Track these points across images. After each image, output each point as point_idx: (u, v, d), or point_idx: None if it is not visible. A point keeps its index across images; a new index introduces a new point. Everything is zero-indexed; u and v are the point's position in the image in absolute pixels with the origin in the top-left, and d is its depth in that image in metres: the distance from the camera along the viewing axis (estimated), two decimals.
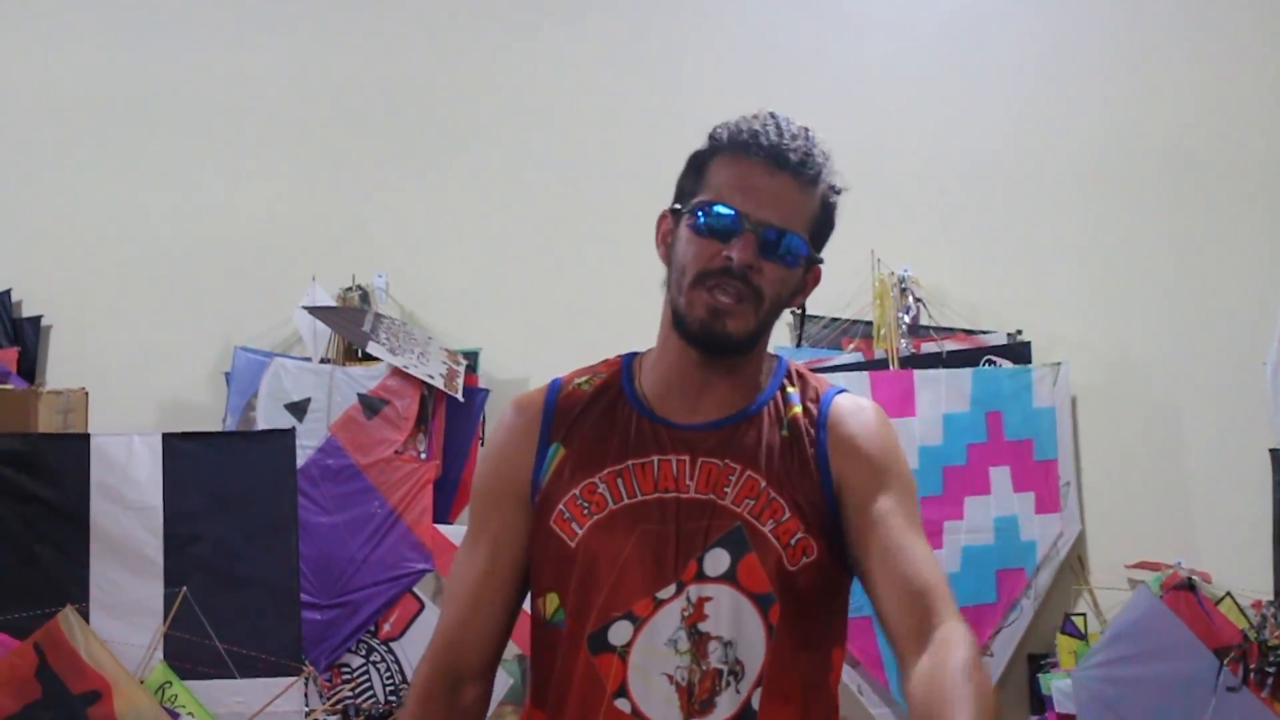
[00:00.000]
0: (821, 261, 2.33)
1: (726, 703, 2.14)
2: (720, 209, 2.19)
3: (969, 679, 1.92)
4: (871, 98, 6.09)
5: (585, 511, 2.24)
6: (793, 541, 2.17)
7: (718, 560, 2.16)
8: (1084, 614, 5.61)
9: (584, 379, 2.38)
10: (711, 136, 2.27)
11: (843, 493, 2.21)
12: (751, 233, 2.17)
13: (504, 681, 5.43)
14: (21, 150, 6.37)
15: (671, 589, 2.17)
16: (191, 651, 4.83)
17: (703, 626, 2.15)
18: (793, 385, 2.33)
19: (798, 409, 2.28)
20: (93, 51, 6.41)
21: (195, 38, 6.37)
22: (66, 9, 6.45)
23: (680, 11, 6.28)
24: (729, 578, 2.15)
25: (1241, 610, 5.32)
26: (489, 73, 6.26)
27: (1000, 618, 5.51)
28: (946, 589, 2.10)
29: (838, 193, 2.31)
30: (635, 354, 2.39)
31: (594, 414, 2.32)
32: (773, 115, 2.25)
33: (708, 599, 2.16)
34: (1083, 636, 5.49)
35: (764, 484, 2.19)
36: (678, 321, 2.23)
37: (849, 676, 5.42)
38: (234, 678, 4.85)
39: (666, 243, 2.29)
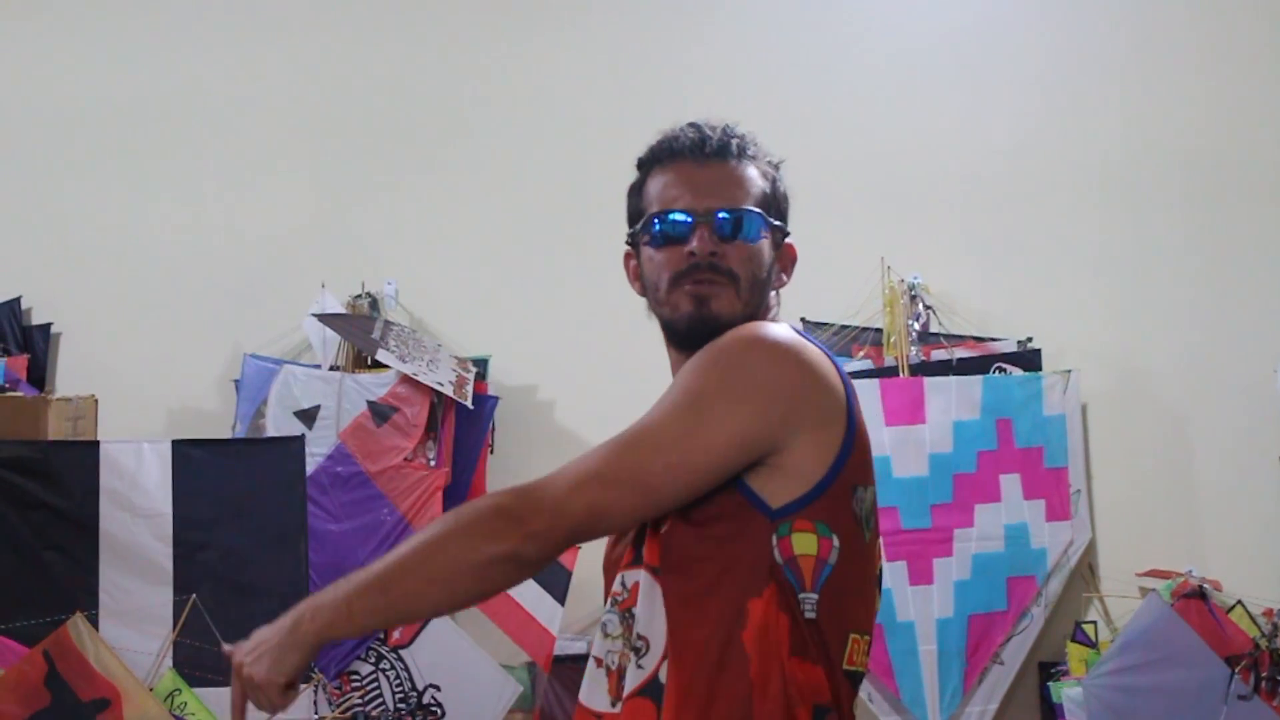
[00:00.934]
0: (788, 234, 2.31)
1: (632, 678, 2.12)
2: (668, 214, 2.21)
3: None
4: (882, 106, 6.09)
5: None
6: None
7: (646, 545, 2.15)
8: (1094, 622, 5.60)
9: None
10: (639, 163, 2.32)
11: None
12: (704, 223, 2.19)
13: (513, 689, 5.43)
14: (32, 159, 6.39)
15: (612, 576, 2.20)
16: (201, 659, 4.82)
17: (634, 610, 2.14)
18: None
19: None
20: (103, 63, 6.43)
21: (206, 49, 6.38)
22: (77, 22, 6.47)
23: (690, 22, 6.28)
24: (640, 559, 2.15)
25: (1252, 618, 5.31)
26: (499, 82, 6.26)
27: (1011, 625, 5.50)
28: (565, 471, 2.08)
29: (776, 167, 2.31)
30: None
31: None
32: (690, 122, 2.28)
33: (637, 582, 2.15)
34: (1093, 644, 5.48)
35: None
36: (670, 331, 2.24)
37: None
38: None
39: (637, 276, 2.31)
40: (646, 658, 2.11)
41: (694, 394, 2.08)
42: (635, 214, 2.30)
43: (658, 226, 2.22)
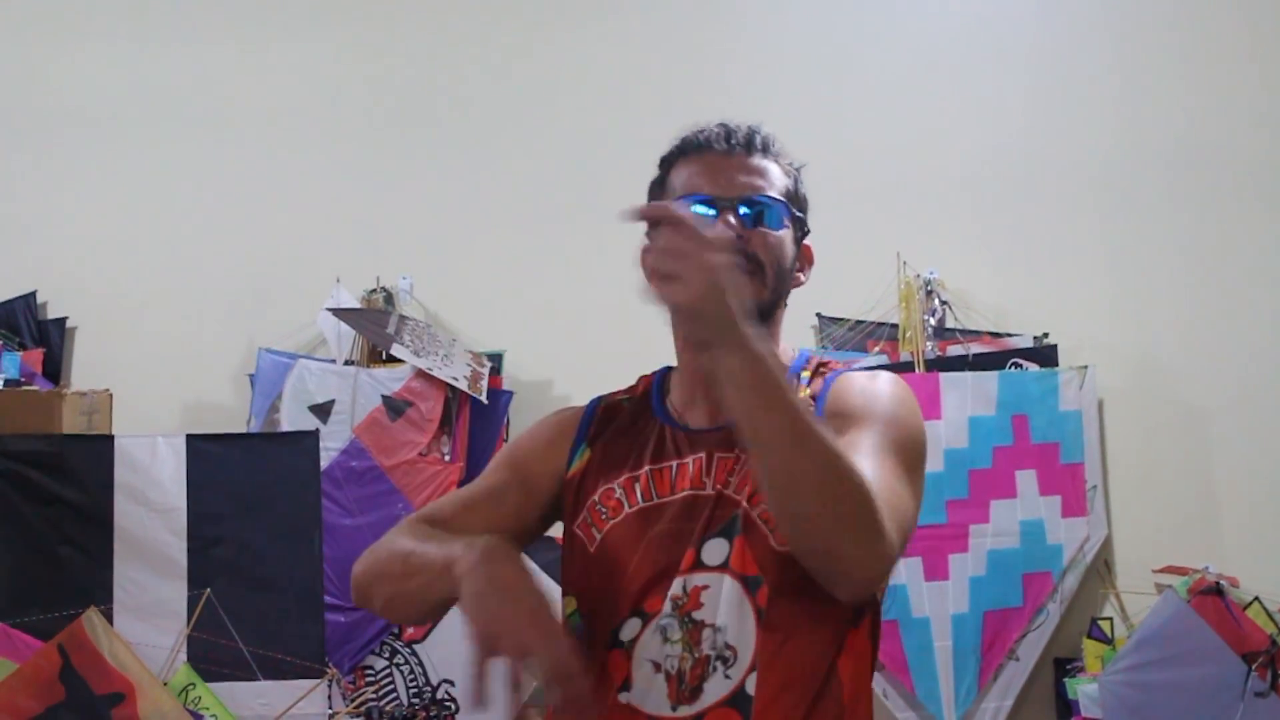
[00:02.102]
0: (808, 231, 2.33)
1: (714, 688, 2.11)
2: (694, 201, 2.22)
3: None
4: (897, 102, 6.07)
5: (604, 516, 2.26)
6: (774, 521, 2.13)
7: (716, 549, 2.15)
8: (1110, 618, 5.58)
9: (625, 395, 2.44)
10: (662, 159, 2.34)
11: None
12: (729, 209, 2.20)
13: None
14: (47, 154, 6.39)
15: (667, 580, 2.17)
16: (215, 653, 4.84)
17: (697, 615, 2.13)
18: (807, 371, 2.32)
19: (805, 391, 2.27)
20: (117, 57, 6.43)
21: (222, 42, 6.39)
22: (92, 16, 6.48)
23: (705, 16, 6.27)
24: (724, 565, 2.14)
25: (1270, 615, 5.28)
26: (515, 76, 6.26)
27: (1026, 622, 5.49)
28: (897, 513, 2.00)
29: (798, 169, 2.33)
30: (669, 368, 2.41)
31: (622, 425, 2.37)
32: (719, 121, 2.30)
33: (704, 588, 2.14)
34: (1109, 641, 5.46)
35: None
36: None
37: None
38: (257, 680, 4.86)
39: None
40: (734, 668, 2.11)
41: (915, 459, 2.17)
42: None
43: None
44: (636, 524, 2.23)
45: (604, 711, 2.18)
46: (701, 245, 1.81)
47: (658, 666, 2.15)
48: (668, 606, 2.16)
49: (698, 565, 2.15)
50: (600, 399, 2.44)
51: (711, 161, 2.25)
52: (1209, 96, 5.92)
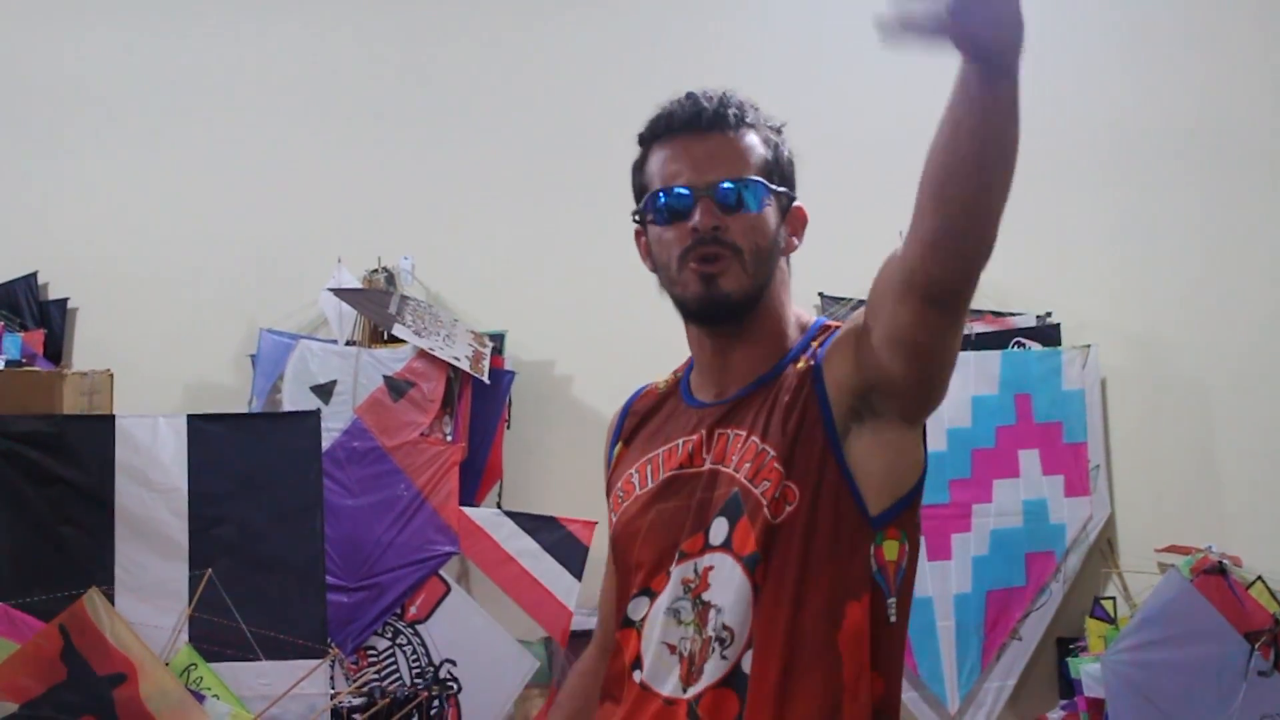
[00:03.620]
0: (794, 198, 2.31)
1: (713, 669, 2.12)
2: (668, 190, 2.21)
3: None
4: (901, 80, 6.04)
5: (621, 501, 2.32)
6: (777, 494, 2.12)
7: (720, 529, 2.16)
8: (1113, 598, 5.57)
9: (665, 380, 2.46)
10: (639, 139, 2.33)
11: (855, 378, 2.14)
12: (704, 196, 2.19)
13: (530, 664, 5.43)
14: (48, 135, 6.38)
15: (676, 560, 2.19)
16: (217, 634, 4.83)
17: (705, 596, 2.15)
18: (816, 341, 2.28)
19: (804, 360, 2.23)
20: (118, 37, 6.42)
21: (223, 22, 6.37)
22: None
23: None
24: (727, 545, 2.15)
25: (1273, 594, 5.28)
26: (515, 55, 6.24)
27: (1029, 601, 5.48)
28: None
29: (779, 130, 2.31)
30: None
31: (653, 411, 2.40)
32: (688, 93, 2.28)
33: (711, 568, 2.16)
34: (1112, 620, 5.46)
35: (760, 443, 2.16)
36: (682, 309, 2.25)
37: None
38: (259, 660, 4.85)
39: (648, 253, 2.32)
40: (730, 648, 2.12)
41: None
42: (639, 191, 2.30)
43: (661, 203, 2.22)
44: (644, 504, 2.27)
45: (623, 686, 2.23)
46: None
47: (673, 648, 2.17)
48: (679, 589, 2.18)
49: (706, 546, 2.17)
50: (638, 393, 2.48)
51: (685, 144, 2.23)
52: (1214, 74, 5.90)
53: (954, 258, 2.05)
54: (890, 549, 2.19)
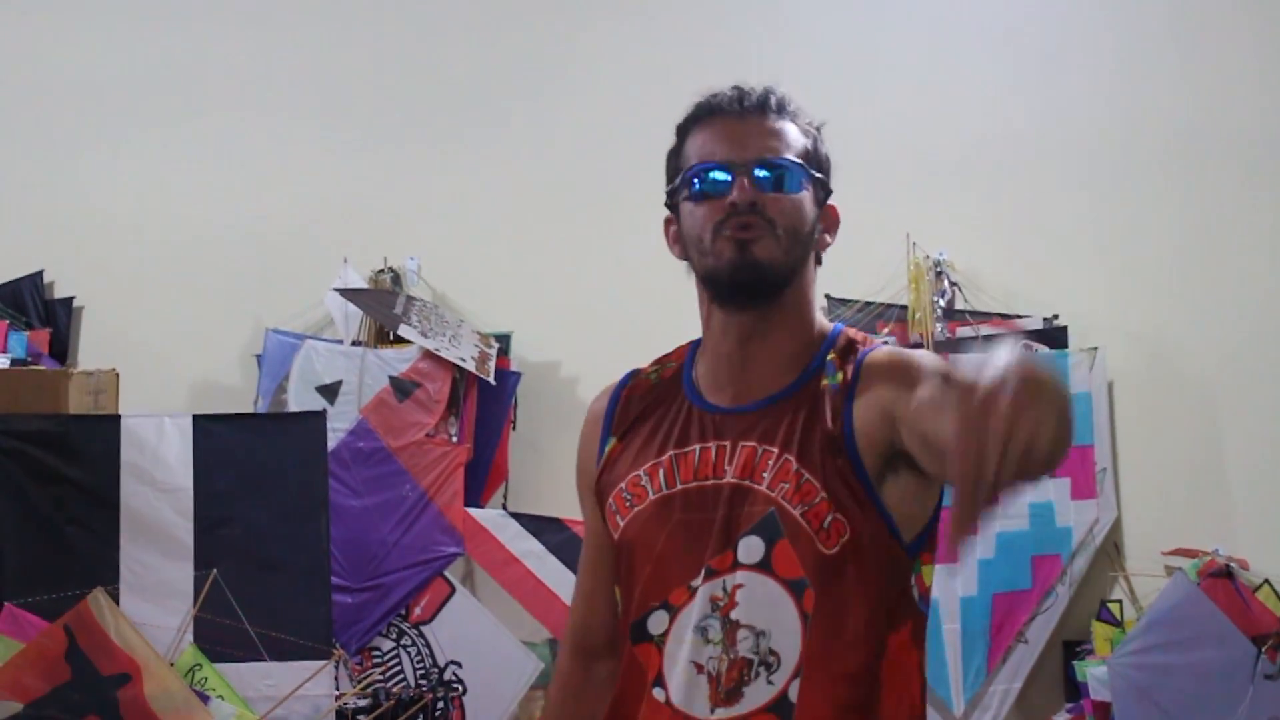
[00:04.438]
0: (830, 190, 2.28)
1: (756, 693, 2.10)
2: (707, 167, 2.19)
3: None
4: (908, 82, 6.05)
5: (628, 504, 2.24)
6: (825, 525, 2.09)
7: (752, 547, 2.12)
8: (1120, 601, 5.56)
9: (655, 369, 2.38)
10: (677, 128, 2.30)
11: (885, 434, 2.07)
12: (743, 174, 2.16)
13: (535, 666, 5.43)
14: (53, 132, 6.38)
15: (703, 577, 2.14)
16: (222, 634, 4.82)
17: (734, 615, 2.11)
18: (833, 354, 2.23)
19: (828, 380, 2.19)
20: (124, 35, 6.42)
21: (229, 21, 6.37)
22: None
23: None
24: (764, 565, 2.11)
25: (1279, 598, 5.27)
26: (522, 56, 6.24)
27: (1035, 604, 5.47)
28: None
29: (818, 128, 2.29)
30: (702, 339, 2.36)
31: (651, 405, 2.32)
32: (730, 85, 2.27)
33: (740, 586, 2.12)
34: (1119, 624, 5.45)
35: (796, 465, 2.12)
36: (711, 284, 2.21)
37: None
38: (264, 660, 4.84)
39: (677, 240, 2.28)
40: (777, 674, 2.11)
41: None
42: (674, 174, 2.27)
43: (697, 182, 2.19)
44: (658, 511, 2.21)
45: (639, 704, 2.19)
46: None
47: (700, 668, 2.13)
48: (707, 606, 2.14)
49: (735, 564, 2.13)
50: (631, 376, 2.39)
51: (726, 125, 2.21)
52: (1219, 76, 5.89)
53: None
54: (928, 574, 2.20)
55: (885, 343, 2.28)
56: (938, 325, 5.67)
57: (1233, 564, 5.32)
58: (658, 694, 2.16)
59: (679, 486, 2.20)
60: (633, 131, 5.96)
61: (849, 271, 5.56)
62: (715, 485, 2.17)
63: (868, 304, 5.76)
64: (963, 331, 5.68)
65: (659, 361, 2.39)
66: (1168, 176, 5.85)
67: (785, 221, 2.17)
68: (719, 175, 2.17)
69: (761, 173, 2.17)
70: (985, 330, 5.67)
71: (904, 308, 5.75)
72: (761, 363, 2.22)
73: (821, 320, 2.30)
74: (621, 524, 2.24)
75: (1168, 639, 5.17)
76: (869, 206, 5.65)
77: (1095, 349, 5.60)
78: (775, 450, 2.15)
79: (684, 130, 2.28)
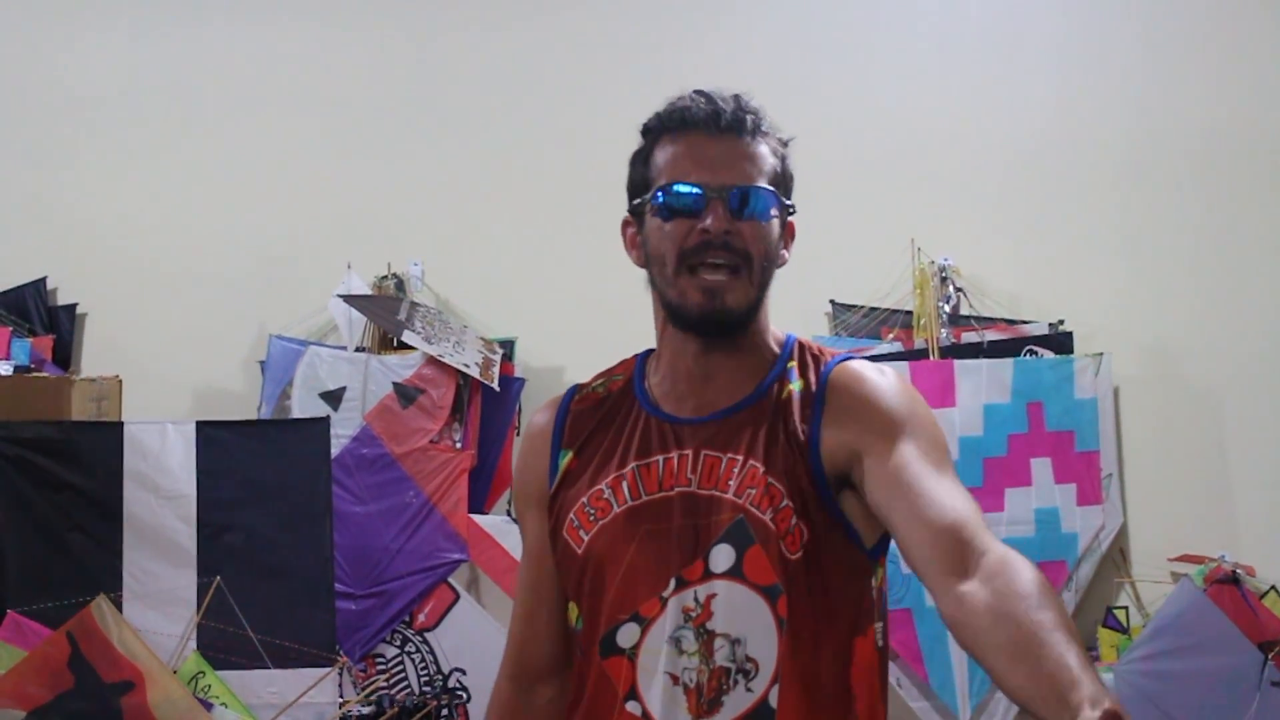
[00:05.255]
0: (794, 212, 2.25)
1: (736, 701, 2.09)
2: (680, 186, 2.15)
3: (1048, 603, 1.73)
4: (912, 87, 6.04)
5: (592, 518, 2.21)
6: (790, 528, 2.09)
7: (723, 556, 2.11)
8: (1126, 607, 5.55)
9: (600, 382, 2.36)
10: (644, 130, 2.26)
11: (849, 463, 2.10)
12: (717, 199, 2.13)
13: None
14: (57, 140, 6.39)
15: (673, 587, 2.12)
16: (225, 641, 4.82)
17: (710, 625, 2.10)
18: (793, 362, 2.23)
19: (793, 386, 2.19)
20: (126, 41, 6.42)
21: (230, 29, 6.38)
22: (101, 2, 6.46)
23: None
24: (735, 573, 2.10)
25: None
26: (526, 60, 6.24)
27: None
28: (983, 524, 1.93)
29: (785, 144, 2.25)
30: (650, 351, 2.34)
31: (604, 418, 2.30)
32: (699, 90, 2.23)
33: (714, 595, 2.11)
34: (1125, 630, 5.44)
35: (763, 470, 2.12)
36: (674, 314, 2.19)
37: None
38: (268, 668, 4.84)
39: (636, 245, 2.27)
40: (756, 680, 2.09)
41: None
42: (640, 182, 2.24)
43: (667, 198, 2.16)
44: (625, 524, 2.18)
45: (611, 719, 2.16)
46: None
47: (676, 679, 2.11)
48: (680, 618, 2.12)
49: (707, 574, 2.12)
50: (574, 391, 2.38)
51: (700, 143, 2.18)
52: (1226, 84, 5.88)
53: None
54: (881, 574, 2.22)
55: (849, 356, 2.27)
56: (943, 331, 5.67)
57: (1239, 570, 5.31)
58: (632, 708, 2.13)
59: (644, 498, 2.18)
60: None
61: (854, 277, 5.57)
62: (681, 494, 2.16)
63: (872, 309, 5.75)
64: (968, 337, 5.68)
65: (604, 375, 2.38)
66: (1175, 183, 5.85)
67: (757, 250, 2.15)
68: (691, 196, 2.14)
69: (736, 197, 2.14)
70: (991, 335, 5.66)
71: (909, 313, 5.74)
72: (722, 376, 2.22)
73: (774, 328, 2.29)
74: (586, 538, 2.20)
75: (1174, 645, 5.16)
76: (874, 212, 5.69)
77: (1101, 355, 5.59)
78: (740, 457, 2.15)
79: (653, 134, 2.24)
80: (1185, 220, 5.83)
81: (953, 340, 5.66)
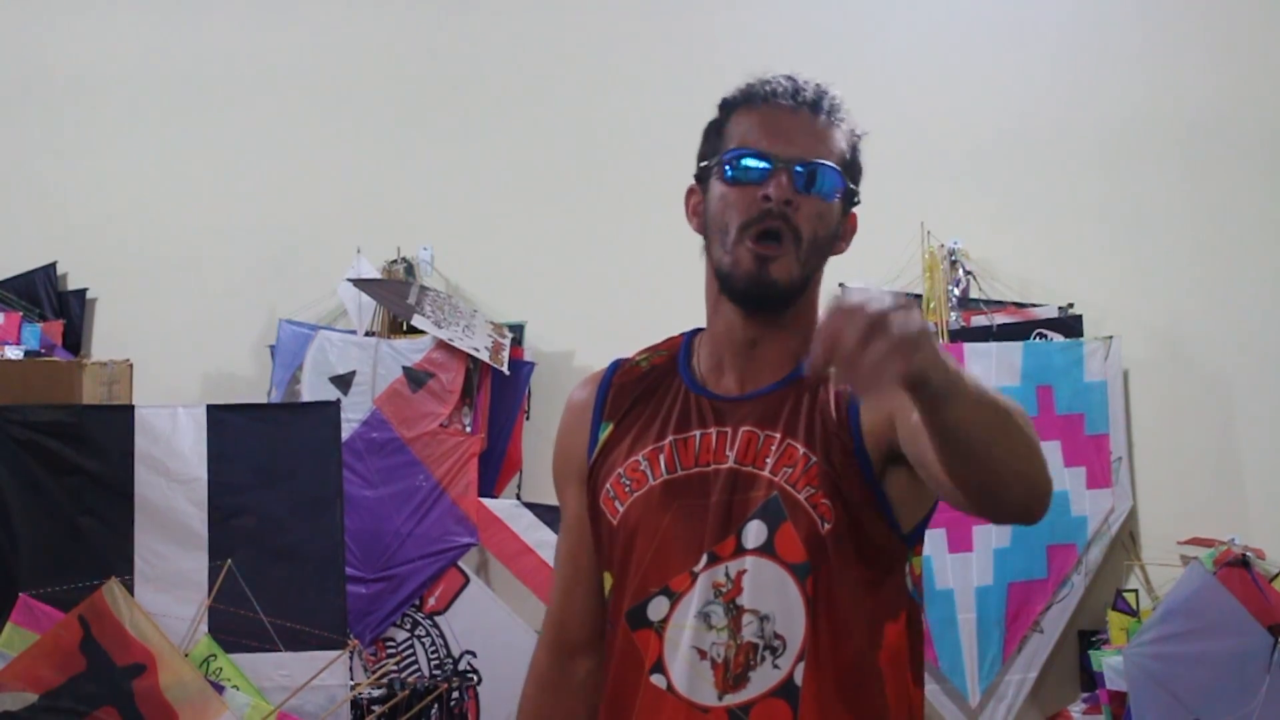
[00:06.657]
0: (858, 202, 2.26)
1: (762, 677, 2.09)
2: (749, 154, 2.15)
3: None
4: (922, 70, 6.03)
5: (628, 489, 2.22)
6: (823, 508, 2.10)
7: (756, 532, 2.12)
8: (1135, 590, 5.55)
9: (644, 357, 2.37)
10: (723, 102, 2.26)
11: (887, 434, 2.08)
12: (783, 169, 2.13)
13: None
14: (66, 124, 6.39)
15: (705, 562, 2.13)
16: (236, 624, 4.83)
17: (740, 600, 2.11)
18: None
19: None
20: (136, 26, 6.41)
21: (241, 11, 6.37)
22: None
23: None
24: (767, 550, 2.11)
25: None
26: (535, 44, 6.22)
27: (1051, 594, 5.46)
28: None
29: (860, 136, 2.27)
30: (699, 330, 2.34)
31: (645, 392, 2.30)
32: (785, 74, 2.24)
33: (744, 572, 2.11)
34: (1134, 613, 5.44)
35: (802, 450, 2.12)
36: (724, 282, 2.19)
37: None
38: (279, 651, 4.85)
39: (698, 213, 2.26)
40: (783, 658, 2.10)
41: None
42: (711, 152, 2.23)
43: (735, 164, 2.16)
44: (660, 497, 2.19)
45: (636, 690, 2.16)
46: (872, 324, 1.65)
47: (703, 654, 2.12)
48: (710, 592, 2.13)
49: (739, 549, 2.12)
50: (618, 364, 2.38)
51: (774, 116, 2.18)
52: (1235, 64, 5.86)
53: (983, 510, 1.95)
54: (918, 564, 2.22)
55: None
56: (952, 314, 5.66)
57: (1249, 553, 5.29)
58: (657, 680, 2.14)
59: (680, 472, 2.19)
60: (648, 123, 5.97)
61: (863, 261, 5.45)
62: (716, 470, 2.16)
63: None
64: (977, 320, 5.67)
65: (648, 350, 2.38)
66: (1184, 165, 5.83)
67: (810, 229, 2.15)
68: (758, 164, 2.14)
69: (801, 170, 2.14)
70: (1000, 319, 5.66)
71: (919, 297, 5.73)
72: (766, 352, 2.22)
73: (820, 309, 2.27)
74: (621, 509, 2.21)
75: (1184, 628, 5.16)
76: (883, 195, 5.61)
77: (1111, 338, 5.58)
78: (778, 435, 2.15)
79: (730, 106, 2.24)
80: (1196, 203, 5.82)
81: (962, 324, 5.66)
